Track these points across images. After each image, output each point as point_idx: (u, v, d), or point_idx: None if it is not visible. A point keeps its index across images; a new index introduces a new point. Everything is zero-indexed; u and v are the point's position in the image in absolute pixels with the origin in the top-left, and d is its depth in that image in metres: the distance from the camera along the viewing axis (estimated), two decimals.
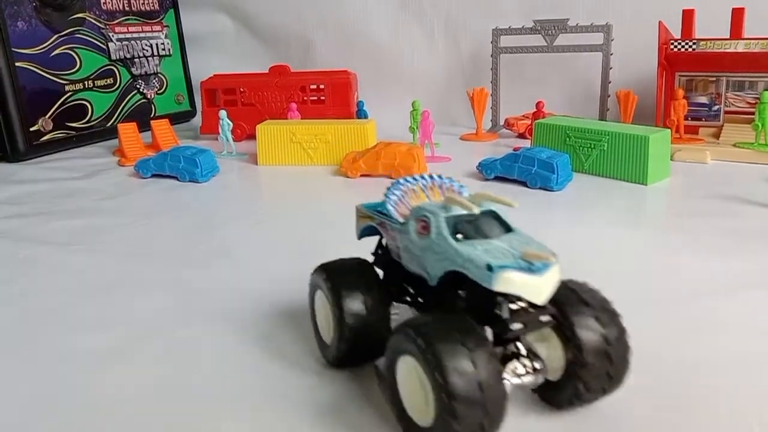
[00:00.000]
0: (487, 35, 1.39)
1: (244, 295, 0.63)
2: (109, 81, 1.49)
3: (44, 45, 1.33)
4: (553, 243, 0.75)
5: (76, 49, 1.40)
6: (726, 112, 1.18)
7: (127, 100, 1.53)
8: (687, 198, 0.91)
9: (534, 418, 0.43)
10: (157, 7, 1.62)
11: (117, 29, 1.51)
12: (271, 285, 0.64)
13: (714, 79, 1.18)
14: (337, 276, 0.47)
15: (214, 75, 1.47)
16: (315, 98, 1.42)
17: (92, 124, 1.44)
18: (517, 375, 0.40)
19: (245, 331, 0.55)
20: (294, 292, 0.62)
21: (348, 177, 1.07)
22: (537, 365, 0.41)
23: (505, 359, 0.40)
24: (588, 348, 0.40)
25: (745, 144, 1.10)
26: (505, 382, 0.38)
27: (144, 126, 1.33)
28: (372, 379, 0.46)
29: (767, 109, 1.05)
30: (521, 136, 1.34)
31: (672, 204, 0.91)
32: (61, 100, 1.37)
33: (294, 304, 0.60)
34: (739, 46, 1.13)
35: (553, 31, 1.31)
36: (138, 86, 1.57)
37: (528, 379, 0.40)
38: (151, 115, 1.56)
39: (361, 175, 1.07)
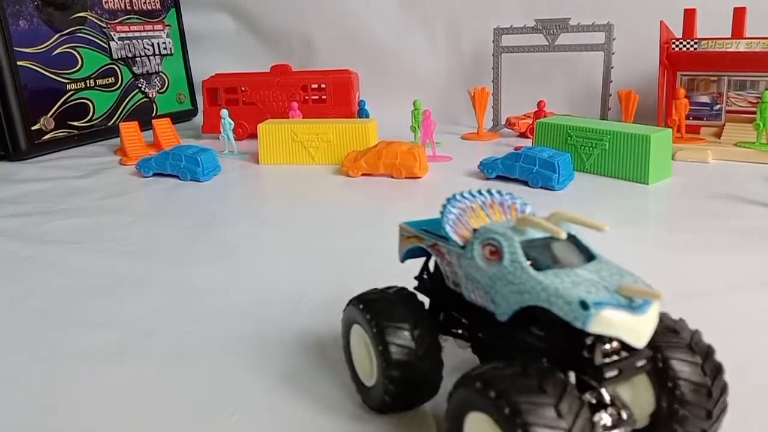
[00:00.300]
0: (488, 34, 1.38)
1: (244, 294, 0.63)
2: (111, 80, 1.49)
3: (46, 44, 1.33)
4: None
5: (77, 48, 1.41)
6: (727, 112, 1.18)
7: (128, 99, 1.53)
8: (688, 197, 0.91)
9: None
10: (158, 6, 1.62)
11: (119, 28, 1.51)
12: (273, 284, 0.65)
13: (715, 78, 1.18)
14: (378, 308, 0.41)
15: (216, 74, 1.47)
16: (316, 97, 1.42)
17: (94, 123, 1.44)
18: (605, 428, 0.33)
19: (245, 330, 0.56)
20: (295, 290, 0.63)
21: (349, 176, 1.07)
22: (624, 414, 0.34)
23: (596, 408, 0.34)
24: (685, 383, 0.35)
25: (746, 143, 1.10)
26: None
27: (145, 125, 1.33)
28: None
29: None
30: (522, 135, 1.34)
31: (673, 203, 0.91)
32: (63, 99, 1.37)
33: (294, 304, 0.60)
34: (741, 46, 1.13)
35: (555, 31, 1.31)
36: (139, 85, 1.57)
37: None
38: (153, 114, 1.57)
39: (363, 175, 1.07)
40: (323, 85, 1.41)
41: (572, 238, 0.37)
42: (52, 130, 1.34)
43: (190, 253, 0.75)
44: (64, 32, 1.38)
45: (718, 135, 1.17)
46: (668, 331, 0.37)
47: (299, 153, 1.18)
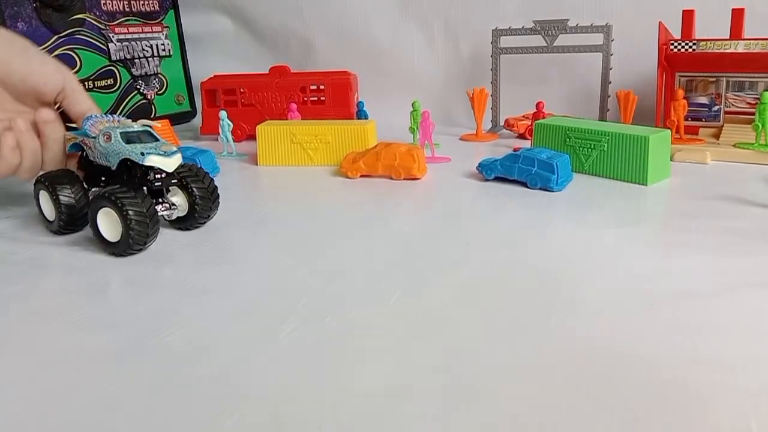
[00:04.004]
0: (487, 36, 1.39)
1: (244, 294, 0.63)
2: (110, 81, 1.49)
3: (44, 46, 1.33)
4: (553, 243, 0.75)
5: (76, 50, 1.40)
6: (726, 113, 1.19)
7: (127, 100, 1.53)
8: (687, 198, 0.91)
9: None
10: (157, 7, 1.62)
11: (117, 30, 1.51)
12: (272, 284, 0.65)
13: (714, 79, 1.18)
14: (53, 180, 0.79)
15: (215, 75, 1.47)
16: (315, 99, 1.42)
17: None
18: (166, 209, 0.79)
19: (245, 331, 0.56)
20: (295, 290, 0.63)
21: (348, 177, 1.07)
22: (173, 207, 0.80)
23: (159, 204, 0.78)
24: (199, 193, 0.80)
25: (745, 144, 1.10)
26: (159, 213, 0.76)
27: None
28: None
29: (767, 110, 1.06)
30: (521, 136, 1.34)
31: (672, 204, 0.91)
32: None
33: (293, 305, 0.60)
34: (739, 47, 1.13)
35: (553, 32, 1.31)
36: (138, 87, 1.57)
37: (170, 213, 0.80)
38: (152, 116, 1.56)
39: (361, 176, 1.07)
40: (322, 87, 1.41)
41: (148, 131, 0.77)
42: None
43: (189, 254, 0.75)
44: (63, 34, 1.38)
45: (717, 136, 1.17)
46: (193, 173, 0.81)
47: (298, 154, 1.18)
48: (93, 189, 0.82)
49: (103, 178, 0.82)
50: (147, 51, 1.59)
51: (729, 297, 0.59)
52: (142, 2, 1.58)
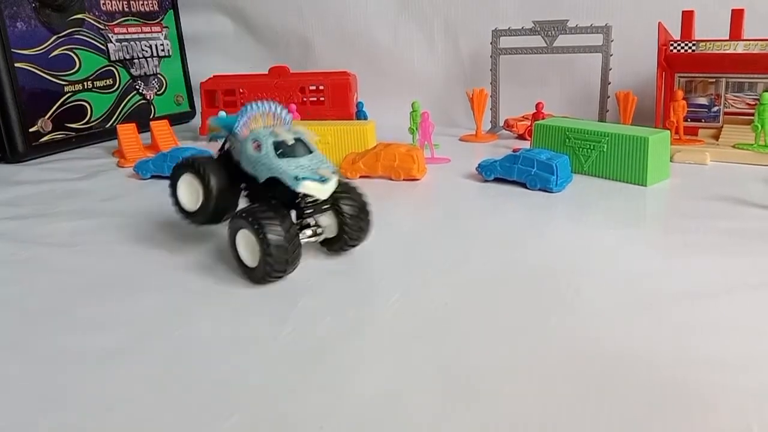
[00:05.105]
0: (486, 36, 1.39)
1: (243, 294, 0.63)
2: (109, 82, 1.49)
3: (43, 46, 1.33)
4: (553, 244, 0.75)
5: (75, 50, 1.40)
6: (725, 114, 1.19)
7: (126, 101, 1.53)
8: (687, 199, 0.91)
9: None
10: (156, 8, 1.62)
11: (116, 30, 1.51)
12: (272, 284, 0.64)
13: (713, 80, 1.18)
14: (204, 164, 0.69)
15: (214, 76, 1.47)
16: (314, 99, 1.42)
17: (91, 125, 1.44)
18: (310, 235, 0.68)
19: (244, 330, 0.56)
20: (294, 290, 0.63)
21: (347, 178, 1.07)
22: (319, 230, 0.69)
23: (303, 227, 0.67)
24: (348, 212, 0.68)
25: (744, 145, 1.10)
26: (302, 237, 0.66)
27: (143, 127, 1.32)
28: None
29: (767, 111, 1.06)
30: (521, 137, 1.34)
31: (672, 205, 0.91)
32: (61, 100, 1.36)
33: (291, 305, 0.60)
34: (739, 48, 1.13)
35: (553, 32, 1.31)
36: (137, 87, 1.57)
37: (315, 237, 0.69)
38: (151, 116, 1.56)
39: (361, 176, 1.07)
40: (321, 87, 1.41)
41: (301, 141, 0.64)
42: (49, 132, 1.34)
43: (189, 255, 0.75)
44: (62, 34, 1.38)
45: (716, 137, 1.17)
46: (344, 192, 0.68)
47: None
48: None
49: (243, 185, 0.70)
50: (146, 51, 1.59)
51: (729, 297, 0.59)
52: (141, 2, 1.58)
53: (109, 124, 1.47)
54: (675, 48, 1.18)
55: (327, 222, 0.69)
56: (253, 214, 0.61)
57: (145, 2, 1.59)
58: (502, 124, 1.40)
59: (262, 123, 0.67)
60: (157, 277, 0.69)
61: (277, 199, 0.64)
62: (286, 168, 0.61)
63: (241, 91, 1.43)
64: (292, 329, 0.55)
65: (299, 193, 0.62)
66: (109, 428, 0.43)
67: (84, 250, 0.77)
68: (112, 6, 1.50)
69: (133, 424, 0.44)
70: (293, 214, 0.66)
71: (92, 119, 1.44)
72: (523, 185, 0.97)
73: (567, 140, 1.05)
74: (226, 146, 0.70)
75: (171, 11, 1.67)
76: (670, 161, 1.03)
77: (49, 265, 0.74)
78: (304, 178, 0.61)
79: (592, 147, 1.02)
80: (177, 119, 1.62)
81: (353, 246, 0.71)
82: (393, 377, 0.48)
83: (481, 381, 0.47)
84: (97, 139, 1.44)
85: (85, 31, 1.43)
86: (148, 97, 1.60)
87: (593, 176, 1.02)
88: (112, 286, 0.67)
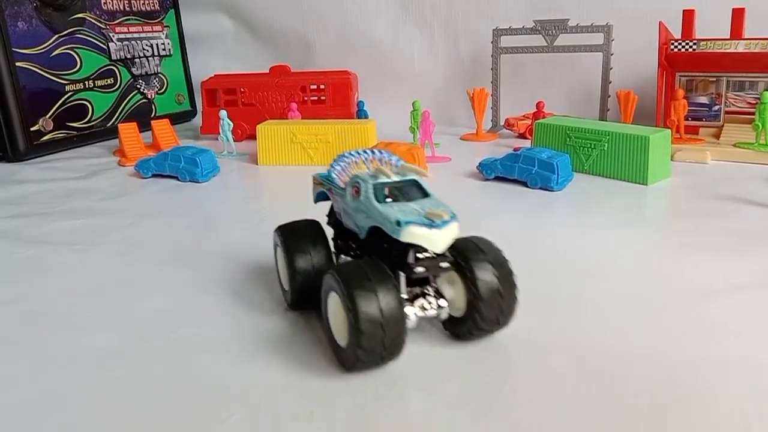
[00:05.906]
0: (487, 35, 1.39)
1: (243, 295, 0.63)
2: (110, 81, 1.49)
3: (45, 45, 1.33)
4: (554, 243, 0.75)
5: (76, 49, 1.40)
6: (726, 113, 1.18)
7: (127, 100, 1.53)
8: (687, 198, 0.91)
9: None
10: (157, 7, 1.62)
11: (117, 29, 1.51)
12: (271, 285, 0.64)
13: (714, 79, 1.18)
14: (290, 235, 0.57)
15: (215, 75, 1.47)
16: (315, 98, 1.42)
17: (93, 124, 1.44)
18: (423, 309, 0.49)
19: (245, 331, 0.56)
20: None
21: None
22: (442, 303, 0.49)
23: (416, 297, 0.49)
24: (483, 285, 0.48)
25: (745, 144, 1.10)
26: (411, 314, 0.48)
27: (144, 126, 1.33)
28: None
29: (767, 110, 1.05)
30: (521, 136, 1.34)
31: (672, 204, 0.91)
32: (62, 100, 1.37)
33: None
34: (740, 47, 1.13)
35: (554, 32, 1.31)
36: (138, 86, 1.57)
37: (432, 314, 0.49)
38: (152, 115, 1.57)
39: None
40: (322, 86, 1.41)
41: (416, 182, 0.51)
42: (51, 131, 1.34)
43: (189, 254, 0.75)
44: (63, 33, 1.38)
45: (717, 136, 1.17)
46: (476, 249, 0.50)
47: (298, 154, 1.18)
48: (342, 256, 0.58)
49: (353, 245, 0.56)
50: (147, 50, 1.59)
51: (729, 297, 0.59)
52: (142, 2, 1.58)
53: (110, 123, 1.47)
54: (676, 47, 1.18)
55: (453, 293, 0.51)
56: (345, 274, 0.46)
57: (146, 1, 1.59)
58: (502, 123, 1.40)
59: (366, 168, 0.56)
60: (157, 276, 0.69)
61: (383, 257, 0.49)
62: (388, 212, 0.47)
63: (241, 90, 1.44)
64: (293, 329, 0.55)
65: (408, 246, 0.46)
66: (109, 428, 0.44)
67: (84, 250, 0.77)
68: (113, 5, 1.50)
69: (133, 424, 0.44)
70: (402, 276, 0.49)
71: (93, 118, 1.44)
72: (524, 184, 0.97)
73: (568, 139, 1.05)
74: (333, 206, 0.59)
75: (172, 10, 1.67)
76: (671, 160, 1.03)
77: (49, 264, 0.74)
78: (407, 222, 0.45)
79: (592, 146, 1.02)
80: (178, 118, 1.62)
81: (488, 332, 0.51)
82: (393, 376, 0.48)
83: (480, 381, 0.47)
84: (98, 138, 1.44)
85: (86, 31, 1.43)
86: (149, 96, 1.60)
87: (594, 175, 1.02)
88: (113, 285, 0.67)
